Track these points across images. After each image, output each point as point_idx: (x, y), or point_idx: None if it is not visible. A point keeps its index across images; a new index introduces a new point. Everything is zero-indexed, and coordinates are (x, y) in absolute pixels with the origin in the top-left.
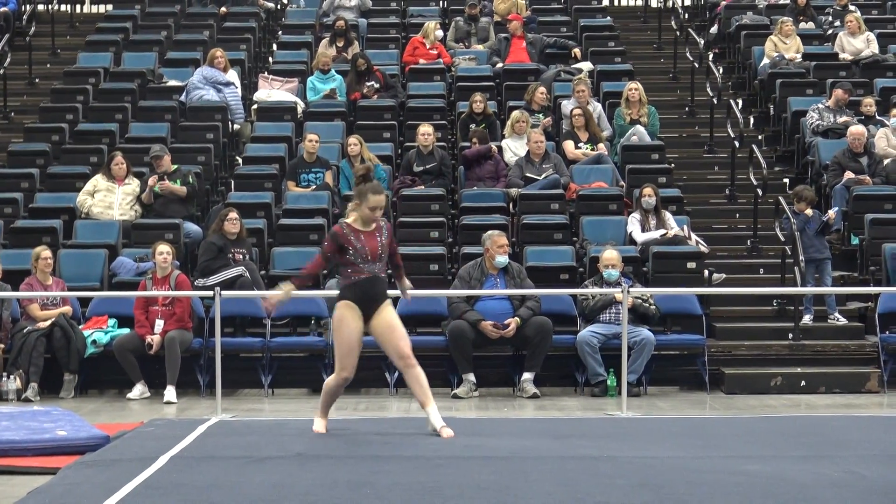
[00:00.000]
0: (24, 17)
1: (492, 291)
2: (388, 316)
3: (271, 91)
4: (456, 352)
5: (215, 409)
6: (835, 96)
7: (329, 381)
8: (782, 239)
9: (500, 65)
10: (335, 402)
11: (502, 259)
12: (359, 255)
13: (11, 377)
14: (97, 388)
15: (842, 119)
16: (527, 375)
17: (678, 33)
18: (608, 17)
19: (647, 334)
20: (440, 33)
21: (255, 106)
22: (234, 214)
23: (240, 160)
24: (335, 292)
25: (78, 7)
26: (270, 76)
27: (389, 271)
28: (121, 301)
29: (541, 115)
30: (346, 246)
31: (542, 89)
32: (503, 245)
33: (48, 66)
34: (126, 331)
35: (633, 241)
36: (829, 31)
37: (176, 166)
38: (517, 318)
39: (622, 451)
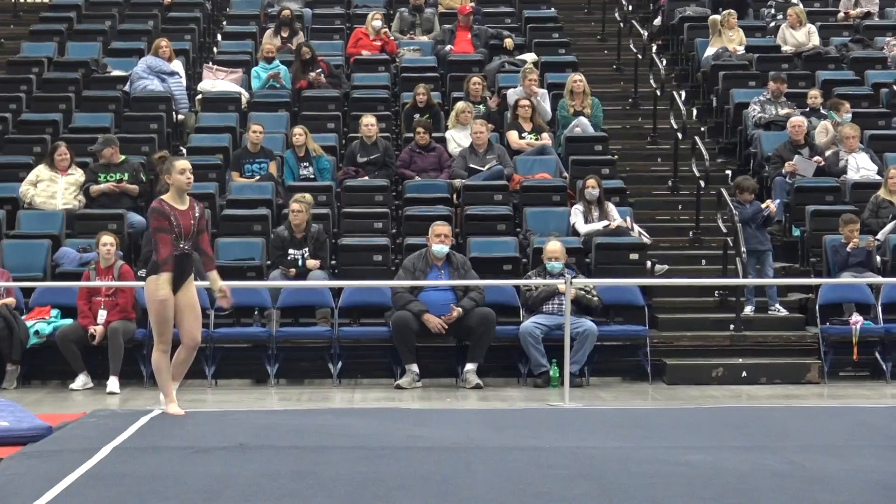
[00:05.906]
0: None
1: (435, 282)
2: (190, 295)
3: (216, 81)
4: (399, 342)
5: (158, 400)
6: (769, 87)
7: (154, 358)
8: (724, 230)
9: (448, 47)
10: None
11: (439, 248)
12: (174, 231)
13: None
14: (40, 379)
15: (784, 111)
16: (470, 366)
17: (622, 25)
18: (552, 9)
19: (589, 325)
20: (378, 24)
21: (199, 96)
22: None
23: (184, 150)
24: (279, 283)
25: None
26: (215, 66)
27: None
28: (64, 291)
29: (481, 107)
30: (171, 217)
31: (476, 80)
32: (440, 234)
33: None
34: (69, 321)
35: (576, 233)
36: (772, 24)
37: (123, 157)
38: (459, 309)
39: (564, 441)
